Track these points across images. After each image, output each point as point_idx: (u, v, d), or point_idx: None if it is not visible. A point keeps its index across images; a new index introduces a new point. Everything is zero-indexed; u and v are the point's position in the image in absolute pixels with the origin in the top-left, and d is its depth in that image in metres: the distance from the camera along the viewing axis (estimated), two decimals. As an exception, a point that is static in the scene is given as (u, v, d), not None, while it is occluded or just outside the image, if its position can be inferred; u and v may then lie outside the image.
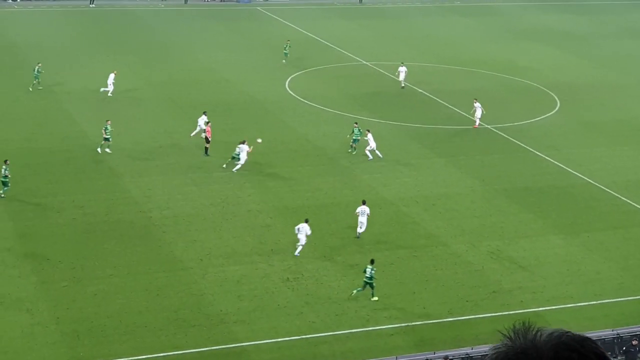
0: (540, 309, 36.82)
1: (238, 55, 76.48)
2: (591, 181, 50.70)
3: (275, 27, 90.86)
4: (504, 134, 58.31)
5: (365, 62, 76.63)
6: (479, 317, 36.21)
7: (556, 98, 67.70)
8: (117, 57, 74.30)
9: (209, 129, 51.74)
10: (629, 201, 48.11)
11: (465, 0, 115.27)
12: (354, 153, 52.94)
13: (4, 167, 44.57)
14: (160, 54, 75.98)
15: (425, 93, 67.20)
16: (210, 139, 51.45)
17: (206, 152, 51.60)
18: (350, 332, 34.62)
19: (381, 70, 73.75)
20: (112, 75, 62.58)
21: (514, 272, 39.64)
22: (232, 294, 36.60)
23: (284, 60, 74.43)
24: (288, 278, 37.97)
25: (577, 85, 72.31)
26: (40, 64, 64.27)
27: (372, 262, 37.34)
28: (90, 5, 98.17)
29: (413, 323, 35.45)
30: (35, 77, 63.34)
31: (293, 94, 65.46)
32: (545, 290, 38.36)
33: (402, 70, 68.54)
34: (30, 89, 62.68)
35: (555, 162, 53.44)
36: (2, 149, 49.86)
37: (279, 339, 33.89)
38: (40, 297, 35.64)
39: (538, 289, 38.43)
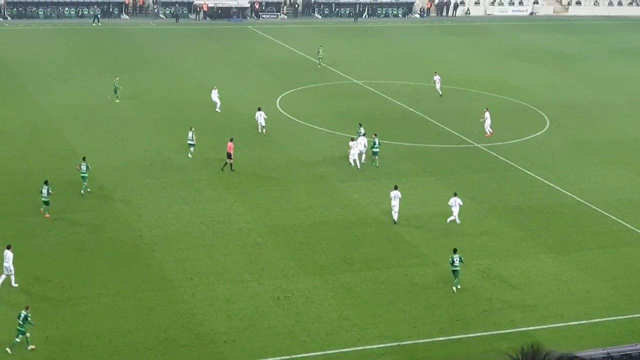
0: (531, 328, 36.77)
1: (229, 74, 76.59)
2: (581, 200, 50.79)
3: (266, 46, 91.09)
4: (494, 152, 58.41)
5: (356, 81, 76.80)
6: (470, 337, 36.14)
7: (546, 117, 67.91)
8: (109, 75, 74.33)
9: (232, 144, 52.12)
10: (619, 220, 48.18)
11: (456, 20, 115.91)
12: (377, 165, 53.99)
13: (82, 164, 47.26)
14: (152, 72, 76.05)
15: (416, 112, 67.35)
16: (232, 155, 51.91)
17: (222, 168, 52.00)
18: (341, 352, 34.50)
19: (372, 89, 73.93)
20: (214, 92, 64.91)
21: (504, 291, 39.63)
22: (223, 313, 36.49)
23: (319, 65, 79.66)
24: (279, 297, 37.88)
25: (567, 105, 72.57)
26: (117, 77, 66.45)
27: (455, 251, 39.66)
28: (97, 24, 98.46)
29: (404, 342, 35.36)
30: (114, 90, 65.41)
31: (284, 113, 65.53)
32: (535, 309, 38.34)
33: (437, 79, 72.17)
34: (117, 101, 65.13)
35: (545, 181, 53.54)
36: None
37: (270, 359, 33.75)
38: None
39: (528, 308, 38.40)
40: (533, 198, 50.77)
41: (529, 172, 54.82)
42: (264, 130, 59.35)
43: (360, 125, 58.48)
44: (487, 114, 61.87)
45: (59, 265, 39.52)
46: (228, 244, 42.60)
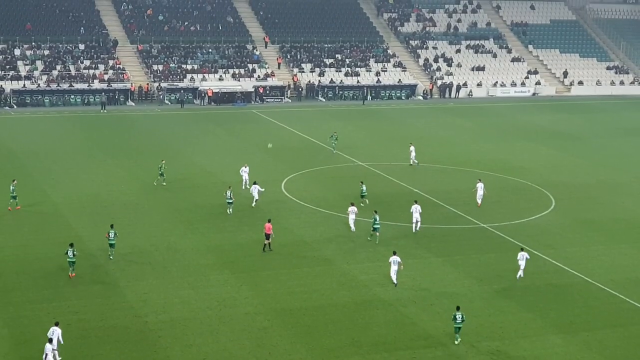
0: (542, 410, 36.26)
1: (235, 158, 76.95)
2: (589, 279, 50.51)
3: (271, 130, 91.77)
4: (500, 232, 58.33)
5: (361, 163, 77.17)
6: (480, 420, 35.62)
7: (551, 196, 67.99)
8: (115, 161, 74.90)
9: (270, 225, 53.02)
10: (627, 299, 47.83)
11: (459, 102, 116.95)
12: (377, 242, 55.15)
13: (111, 232, 50.38)
14: (158, 158, 76.42)
15: (421, 193, 67.46)
16: (270, 235, 52.80)
17: (264, 249, 53.02)
18: None
19: (377, 171, 74.22)
20: (244, 169, 67.03)
21: (514, 373, 39.19)
22: (229, 400, 36.04)
23: (335, 151, 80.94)
24: (285, 382, 37.48)
25: (572, 184, 72.74)
26: (164, 161, 68.06)
27: (458, 308, 41.52)
28: (104, 112, 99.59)
29: None
30: (160, 173, 67.01)
31: (289, 196, 65.69)
32: (546, 391, 37.85)
33: (412, 149, 76.69)
34: (164, 184, 66.81)
35: (553, 261, 53.34)
36: (-2, 254, 49.95)
37: None
38: (33, 405, 35.08)
39: (539, 389, 37.93)
40: (541, 278, 50.51)
41: (536, 252, 54.63)
42: (256, 202, 61.86)
43: (362, 183, 63.04)
44: (479, 185, 64.28)
45: (64, 352, 39.09)
46: (234, 329, 42.30)
